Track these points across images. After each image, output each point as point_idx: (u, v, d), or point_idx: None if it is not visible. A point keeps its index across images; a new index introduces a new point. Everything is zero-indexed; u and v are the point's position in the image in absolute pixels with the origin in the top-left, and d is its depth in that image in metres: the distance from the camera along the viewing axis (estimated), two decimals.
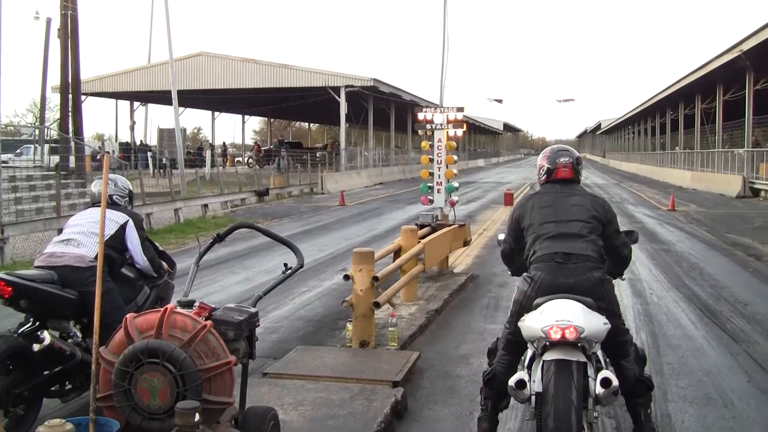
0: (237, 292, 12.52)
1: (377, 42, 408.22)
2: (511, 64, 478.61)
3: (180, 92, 38.17)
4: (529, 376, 5.02)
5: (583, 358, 4.91)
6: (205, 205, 28.96)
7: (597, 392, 4.81)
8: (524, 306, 5.30)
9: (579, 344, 4.88)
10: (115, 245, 6.74)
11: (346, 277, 8.90)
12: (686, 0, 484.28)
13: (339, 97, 50.16)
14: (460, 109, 14.12)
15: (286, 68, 52.18)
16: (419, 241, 11.65)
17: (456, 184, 14.33)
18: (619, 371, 5.28)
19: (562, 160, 5.78)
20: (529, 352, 5.25)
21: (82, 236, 6.63)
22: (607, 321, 5.07)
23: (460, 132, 14.39)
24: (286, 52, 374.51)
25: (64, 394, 6.45)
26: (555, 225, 5.47)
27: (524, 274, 5.51)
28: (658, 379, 7.51)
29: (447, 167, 14.03)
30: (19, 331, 6.23)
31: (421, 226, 13.21)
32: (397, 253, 11.39)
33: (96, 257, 6.18)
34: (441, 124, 13.94)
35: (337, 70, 52.04)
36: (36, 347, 6.14)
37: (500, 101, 73.79)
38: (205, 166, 48.28)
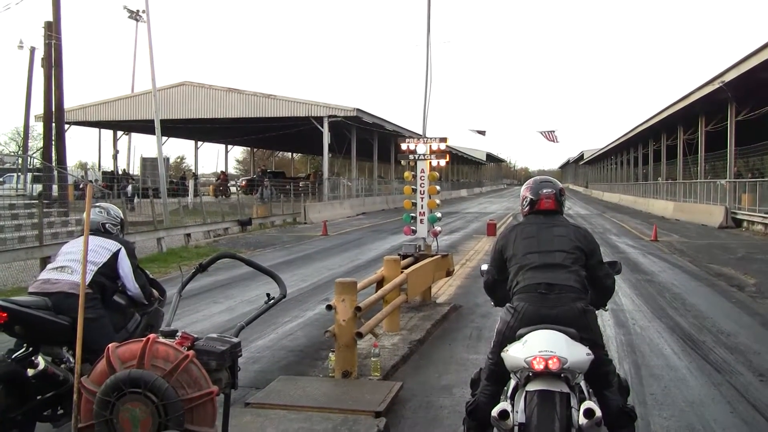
0: (219, 321, 12.47)
1: (360, 72, 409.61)
2: (494, 94, 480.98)
3: (163, 121, 38.27)
4: (512, 406, 5.01)
5: (566, 389, 4.91)
6: (188, 235, 28.91)
7: (580, 423, 4.80)
8: (507, 336, 5.31)
9: (562, 375, 4.89)
10: (108, 273, 6.80)
11: (329, 307, 8.87)
12: (668, 32, 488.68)
13: (322, 126, 50.28)
14: (443, 140, 14.16)
15: (270, 98, 52.28)
16: (402, 272, 11.64)
17: (439, 215, 14.36)
18: (602, 402, 5.27)
19: (545, 191, 5.82)
20: (512, 383, 5.25)
21: (75, 264, 6.66)
22: (590, 352, 5.08)
23: (443, 162, 14.42)
24: (269, 82, 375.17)
25: (56, 419, 6.45)
26: (538, 255, 5.49)
27: (507, 304, 5.52)
28: (642, 410, 7.51)
29: (430, 197, 14.06)
30: (13, 356, 6.26)
31: (404, 257, 13.21)
32: (380, 283, 11.37)
33: (89, 284, 6.37)
34: (424, 155, 13.98)
35: (320, 100, 52.22)
36: (30, 372, 6.21)
37: (483, 133, 73.88)
38: (188, 195, 48.19)
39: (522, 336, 5.14)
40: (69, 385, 6.29)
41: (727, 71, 35.08)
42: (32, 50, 40.68)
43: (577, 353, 4.97)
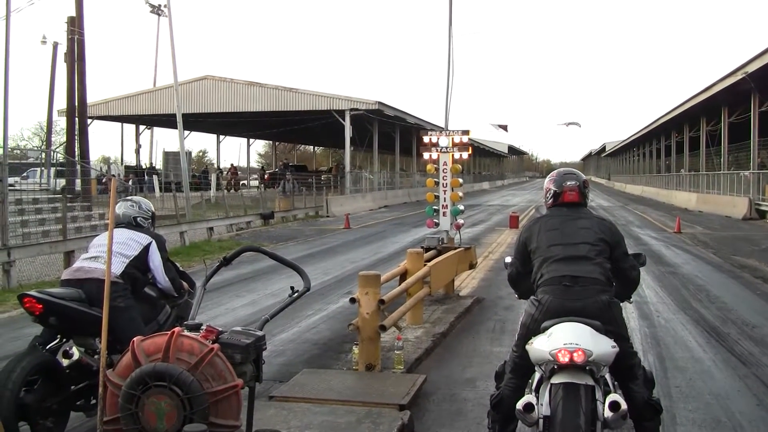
0: (243, 315, 12.51)
1: (382, 65, 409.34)
2: (516, 86, 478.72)
3: (185, 116, 38.38)
4: (537, 399, 5.01)
5: (591, 382, 4.89)
6: (211, 228, 28.94)
7: (605, 416, 4.79)
8: (532, 329, 5.29)
9: (587, 367, 4.87)
10: (139, 265, 6.95)
11: (352, 300, 8.89)
12: (690, 23, 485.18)
13: (344, 120, 50.33)
14: (466, 132, 14.15)
15: (291, 92, 52.34)
16: (425, 264, 11.62)
17: (461, 207, 14.35)
18: (627, 394, 5.25)
19: (568, 183, 5.79)
20: (537, 376, 5.23)
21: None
22: (615, 344, 5.05)
23: (465, 155, 14.42)
24: (290, 76, 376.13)
25: (89, 408, 6.59)
26: (562, 248, 5.47)
27: (531, 297, 5.50)
28: (667, 403, 7.46)
29: (452, 190, 14.05)
30: (48, 347, 6.44)
31: (427, 249, 13.17)
32: (403, 276, 11.35)
33: (121, 275, 6.58)
34: (446, 147, 13.98)
35: (341, 94, 52.24)
36: (65, 363, 6.40)
37: (505, 127, 73.33)
38: (210, 189, 48.34)
39: (547, 329, 5.12)
40: None
41: (750, 62, 34.83)
42: (55, 45, 40.93)
43: (602, 346, 4.95)
